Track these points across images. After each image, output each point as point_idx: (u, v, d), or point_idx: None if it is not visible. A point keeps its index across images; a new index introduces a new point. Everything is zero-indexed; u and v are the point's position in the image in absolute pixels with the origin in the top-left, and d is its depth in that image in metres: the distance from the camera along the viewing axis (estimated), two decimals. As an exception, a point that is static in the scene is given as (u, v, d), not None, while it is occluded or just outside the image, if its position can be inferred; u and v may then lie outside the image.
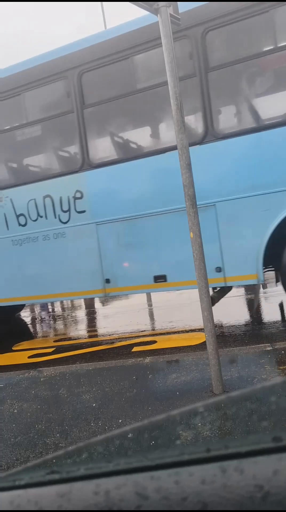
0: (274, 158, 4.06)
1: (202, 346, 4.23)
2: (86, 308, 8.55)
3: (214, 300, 4.56)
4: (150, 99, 4.69)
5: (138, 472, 0.41)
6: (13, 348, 5.72)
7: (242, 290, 7.46)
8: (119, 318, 6.82)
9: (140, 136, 5.16)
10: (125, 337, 5.39)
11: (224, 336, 4.82)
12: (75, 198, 4.93)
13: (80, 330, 6.66)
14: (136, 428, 0.48)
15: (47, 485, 0.43)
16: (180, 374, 3.46)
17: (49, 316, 8.25)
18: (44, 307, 9.15)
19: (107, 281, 4.89)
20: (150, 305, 7.86)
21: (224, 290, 4.80)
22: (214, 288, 4.75)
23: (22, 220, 5.28)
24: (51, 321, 7.70)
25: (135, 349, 4.75)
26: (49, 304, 9.23)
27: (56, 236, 5.09)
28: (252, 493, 0.36)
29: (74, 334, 6.42)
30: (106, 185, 4.81)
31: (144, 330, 5.68)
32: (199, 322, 4.80)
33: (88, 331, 6.48)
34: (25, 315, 8.20)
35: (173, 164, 4.36)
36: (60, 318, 7.95)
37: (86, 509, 0.39)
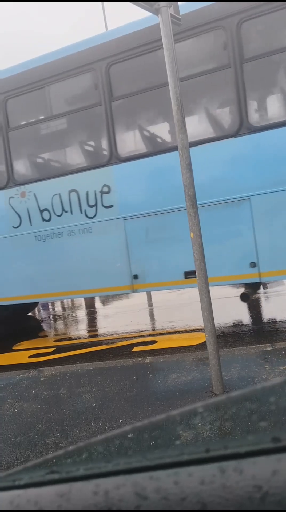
0: None
1: (202, 346, 4.23)
2: (86, 308, 8.55)
3: (248, 295, 4.50)
4: (181, 90, 4.59)
5: (138, 472, 0.41)
6: (14, 348, 5.73)
7: (242, 290, 7.45)
8: (120, 318, 6.83)
9: (170, 129, 5.04)
10: (126, 337, 5.39)
11: (225, 336, 4.82)
12: (102, 193, 4.84)
13: (81, 330, 6.66)
14: (136, 428, 0.48)
15: (47, 485, 0.44)
16: (180, 374, 3.46)
17: (50, 316, 8.26)
18: (45, 306, 9.16)
19: (135, 277, 4.79)
20: (150, 305, 7.86)
21: (256, 286, 4.73)
22: (246, 284, 4.67)
23: (46, 215, 5.17)
24: (52, 321, 7.70)
25: (135, 349, 4.75)
26: (49, 303, 9.25)
27: (82, 231, 4.99)
28: (251, 494, 0.36)
29: (75, 334, 6.43)
30: (135, 179, 4.71)
31: (145, 330, 5.68)
32: (199, 322, 4.80)
33: (89, 331, 6.48)
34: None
35: (205, 158, 4.30)
36: (60, 318, 7.95)
37: (86, 509, 0.39)
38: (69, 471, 0.45)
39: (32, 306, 8.20)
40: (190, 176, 2.96)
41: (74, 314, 8.14)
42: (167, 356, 4.07)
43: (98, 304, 8.81)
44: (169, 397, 3.09)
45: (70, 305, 9.09)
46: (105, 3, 13.22)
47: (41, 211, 5.18)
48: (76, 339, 5.91)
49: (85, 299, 9.21)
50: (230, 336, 4.83)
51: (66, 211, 5.04)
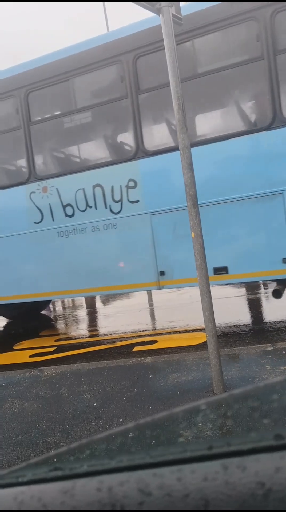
0: None
1: (203, 346, 4.23)
2: (87, 308, 8.56)
3: (280, 292, 4.45)
4: (211, 82, 4.49)
5: (141, 469, 0.41)
6: (14, 347, 5.73)
7: (243, 290, 7.46)
8: (120, 318, 6.83)
9: (199, 123, 4.98)
10: (126, 337, 5.40)
11: (225, 336, 4.82)
12: (128, 188, 4.75)
13: (81, 330, 6.66)
14: (139, 425, 0.49)
15: (50, 482, 0.44)
16: (181, 374, 3.47)
17: (50, 316, 8.26)
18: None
19: (162, 273, 4.70)
20: (151, 304, 7.86)
21: None
22: (278, 281, 4.60)
23: (69, 210, 5.08)
24: (53, 321, 7.70)
25: (136, 348, 4.75)
26: (50, 303, 9.24)
27: (107, 227, 4.91)
28: (254, 490, 0.36)
29: (75, 333, 6.43)
30: (162, 174, 4.63)
31: (145, 330, 5.68)
32: (200, 322, 4.80)
33: (89, 331, 6.48)
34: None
35: (236, 152, 4.25)
36: (61, 317, 7.95)
37: (89, 505, 0.39)
38: (73, 468, 0.45)
39: (44, 304, 8.15)
40: (191, 176, 2.96)
41: (74, 313, 8.14)
42: (167, 356, 4.08)
43: (98, 303, 8.82)
44: (169, 396, 3.09)
45: (71, 305, 9.09)
46: (106, 2, 13.22)
47: (64, 207, 5.09)
48: (76, 338, 5.91)
49: (86, 298, 9.22)
50: (231, 336, 4.83)
51: (90, 206, 4.95)
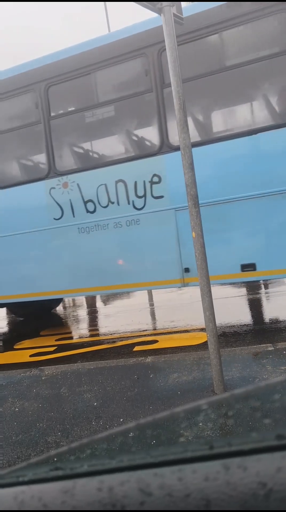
0: None
1: (203, 345, 4.23)
2: (87, 307, 8.56)
3: None
4: (238, 75, 4.41)
5: (142, 469, 0.41)
6: (15, 347, 5.73)
7: (243, 290, 7.46)
8: (121, 318, 6.83)
9: (227, 116, 4.91)
10: (127, 337, 5.40)
11: (226, 336, 4.82)
12: (152, 183, 4.66)
13: (82, 329, 6.66)
14: (140, 425, 0.49)
15: (51, 482, 0.44)
16: (182, 374, 3.47)
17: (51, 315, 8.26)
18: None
19: (186, 270, 4.60)
20: (151, 304, 7.86)
21: None
22: None
23: (90, 206, 4.98)
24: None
25: (136, 348, 4.75)
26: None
27: (129, 223, 4.81)
28: (255, 490, 0.36)
29: (76, 333, 6.43)
30: None
31: (146, 330, 5.68)
32: (200, 322, 4.80)
33: (90, 330, 6.48)
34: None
35: (265, 146, 4.19)
36: (61, 317, 7.95)
37: (90, 505, 0.39)
38: (73, 467, 0.45)
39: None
40: (192, 176, 2.96)
41: (75, 313, 8.14)
42: (168, 356, 4.07)
43: (99, 303, 8.82)
44: (170, 396, 3.09)
45: (71, 304, 9.10)
46: (107, 2, 13.22)
47: (85, 202, 5.00)
48: (77, 338, 5.91)
49: (86, 298, 9.22)
50: (231, 336, 4.83)
51: (113, 202, 4.86)
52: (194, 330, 5.25)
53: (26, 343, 5.87)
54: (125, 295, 8.84)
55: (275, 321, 5.26)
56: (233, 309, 6.12)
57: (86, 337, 5.87)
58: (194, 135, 4.70)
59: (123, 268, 4.92)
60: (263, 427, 0.44)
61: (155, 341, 4.94)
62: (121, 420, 2.85)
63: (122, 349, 4.87)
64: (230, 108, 5.07)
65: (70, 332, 6.34)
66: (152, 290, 8.46)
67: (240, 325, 5.28)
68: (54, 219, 5.17)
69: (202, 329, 4.97)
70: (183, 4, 3.20)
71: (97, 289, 5.20)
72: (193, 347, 4.44)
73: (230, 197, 4.35)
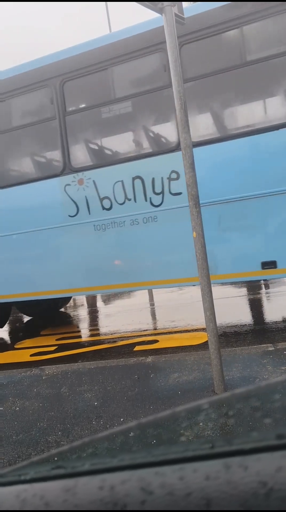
0: None
1: (204, 345, 4.23)
2: (88, 307, 8.57)
3: None
4: (260, 70, 4.33)
5: (143, 468, 0.42)
6: (16, 346, 5.74)
7: (244, 290, 7.46)
8: (121, 317, 6.83)
9: (247, 111, 4.83)
10: (127, 336, 5.40)
11: (226, 336, 4.82)
12: (170, 179, 4.59)
13: (82, 329, 6.67)
14: (141, 424, 0.49)
15: (52, 480, 0.44)
16: (182, 374, 3.47)
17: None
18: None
19: None
20: (152, 304, 7.86)
21: None
22: None
23: (106, 203, 4.92)
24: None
25: (137, 348, 4.75)
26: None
27: (147, 220, 4.74)
28: (256, 490, 0.36)
29: (76, 332, 6.44)
30: (208, 165, 4.45)
31: (146, 329, 5.69)
32: (201, 322, 4.80)
33: (90, 330, 6.49)
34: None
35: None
36: (62, 316, 7.96)
37: (91, 504, 0.39)
38: (75, 466, 0.45)
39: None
40: (193, 176, 2.97)
41: (75, 313, 8.15)
42: (168, 356, 4.08)
43: (99, 303, 8.82)
44: (170, 396, 3.09)
45: (72, 304, 9.10)
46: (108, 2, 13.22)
47: (101, 199, 4.93)
48: (77, 338, 5.92)
49: (87, 298, 9.23)
50: (232, 336, 4.83)
51: (129, 199, 4.80)
52: (194, 330, 5.25)
53: (27, 342, 5.88)
54: (125, 294, 8.85)
55: (276, 322, 5.26)
56: (233, 309, 6.12)
57: (87, 337, 5.88)
58: (219, 130, 4.66)
59: (139, 266, 4.86)
60: (264, 427, 0.44)
61: (156, 341, 4.95)
62: (122, 419, 2.86)
63: (122, 348, 4.87)
64: (256, 102, 4.92)
65: (71, 332, 6.34)
66: (153, 290, 8.47)
67: (241, 325, 5.28)
68: (69, 216, 5.10)
69: (202, 329, 4.97)
70: (184, 4, 3.20)
71: (112, 287, 5.13)
72: (193, 347, 4.44)
73: (252, 193, 4.29)
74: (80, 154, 5.38)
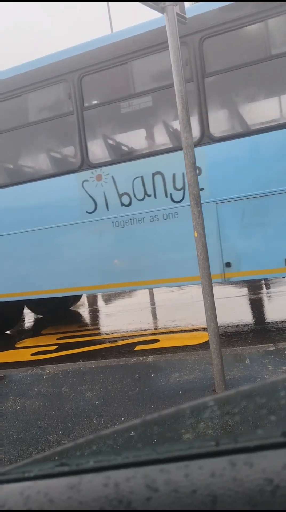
0: None
1: (205, 345, 4.23)
2: (89, 306, 8.57)
3: None
4: (280, 66, 4.24)
5: (147, 465, 0.41)
6: (16, 345, 5.74)
7: (244, 290, 7.46)
8: (122, 317, 6.83)
9: (270, 106, 4.78)
10: (128, 336, 5.40)
11: (227, 336, 4.82)
12: None
13: (83, 328, 6.67)
14: (145, 422, 0.49)
15: (57, 477, 0.44)
16: (183, 373, 3.47)
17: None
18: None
19: (228, 265, 4.46)
20: (153, 304, 7.86)
21: None
22: None
23: (125, 199, 4.82)
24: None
25: (137, 347, 4.75)
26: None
27: (167, 216, 4.67)
28: (262, 487, 0.36)
29: (77, 332, 6.44)
30: (229, 161, 4.40)
31: (147, 329, 5.68)
32: (202, 321, 4.80)
33: (91, 329, 6.49)
34: (26, 312, 8.21)
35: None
36: (62, 316, 7.96)
37: (96, 500, 0.39)
38: (79, 463, 0.45)
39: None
40: (194, 175, 2.96)
41: (76, 312, 8.15)
42: (169, 355, 4.08)
43: (100, 302, 8.82)
44: (171, 396, 3.09)
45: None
46: (110, 2, 13.21)
47: (120, 195, 4.85)
48: (78, 337, 5.92)
49: (87, 297, 9.23)
50: (233, 336, 4.83)
51: (149, 195, 4.72)
52: (195, 329, 5.25)
53: (28, 341, 5.88)
54: (126, 294, 8.85)
55: (277, 321, 5.26)
56: (234, 309, 6.12)
57: (88, 336, 5.88)
58: (236, 126, 4.62)
59: (159, 263, 4.79)
60: (269, 424, 0.44)
61: (157, 341, 4.95)
62: (123, 419, 2.86)
63: (123, 348, 4.87)
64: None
65: (72, 331, 6.35)
66: (153, 290, 8.46)
67: (242, 325, 5.28)
68: (87, 212, 5.02)
69: (203, 329, 4.97)
70: (186, 4, 3.19)
71: (131, 284, 5.04)
72: (194, 347, 4.44)
73: (277, 189, 4.23)
74: (98, 150, 5.30)
